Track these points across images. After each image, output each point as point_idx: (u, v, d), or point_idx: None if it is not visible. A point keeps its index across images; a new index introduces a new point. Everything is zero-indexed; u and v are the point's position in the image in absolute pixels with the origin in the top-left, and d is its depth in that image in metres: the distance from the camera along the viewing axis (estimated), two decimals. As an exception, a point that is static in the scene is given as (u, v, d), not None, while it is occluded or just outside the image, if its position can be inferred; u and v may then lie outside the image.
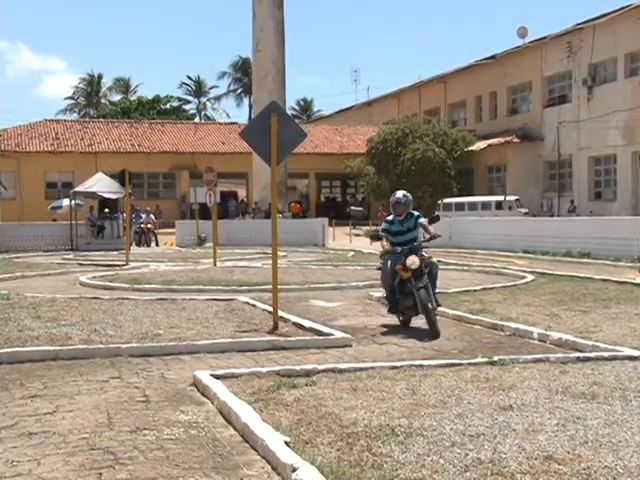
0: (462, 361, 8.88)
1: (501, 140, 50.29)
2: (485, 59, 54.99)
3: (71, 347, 10.02)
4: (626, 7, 42.95)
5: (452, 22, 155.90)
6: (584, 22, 46.05)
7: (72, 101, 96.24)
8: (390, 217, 12.29)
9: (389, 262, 11.83)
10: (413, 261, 11.26)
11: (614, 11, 43.78)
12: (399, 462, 5.40)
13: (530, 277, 19.44)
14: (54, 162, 54.12)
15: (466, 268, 23.51)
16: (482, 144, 50.94)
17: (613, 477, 5.10)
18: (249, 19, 49.93)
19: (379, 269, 12.42)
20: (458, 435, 6.00)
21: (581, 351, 9.56)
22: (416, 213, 12.20)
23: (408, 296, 11.53)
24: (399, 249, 11.70)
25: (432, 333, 11.06)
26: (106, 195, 37.79)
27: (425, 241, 12.15)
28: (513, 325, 11.59)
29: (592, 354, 9.25)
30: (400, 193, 12.12)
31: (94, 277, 20.41)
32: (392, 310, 12.15)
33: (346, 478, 5.09)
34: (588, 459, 5.45)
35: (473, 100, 57.81)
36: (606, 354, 9.22)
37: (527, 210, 42.70)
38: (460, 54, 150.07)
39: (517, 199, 44.08)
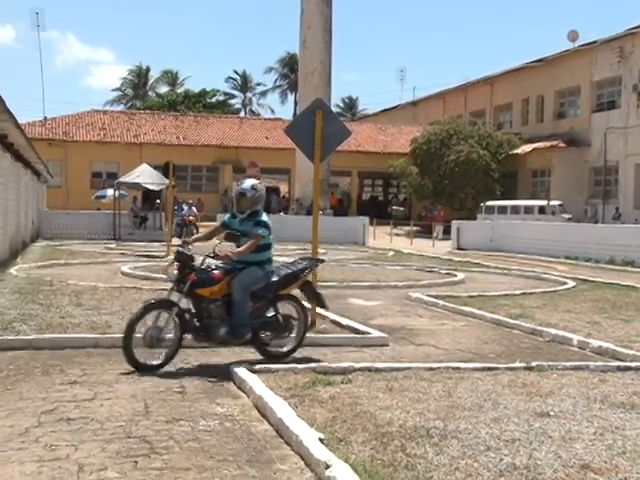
0: (499, 365, 8.83)
1: (547, 144, 49.84)
2: (534, 62, 54.53)
3: (111, 335, 10.11)
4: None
5: (500, 23, 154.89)
6: (636, 27, 45.48)
7: (120, 92, 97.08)
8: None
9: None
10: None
11: (667, 17, 43.17)
12: (433, 464, 5.39)
13: (571, 283, 19.28)
14: (100, 152, 54.59)
15: (507, 272, 23.36)
16: (527, 147, 50.54)
17: (650, 488, 5.05)
18: (297, 15, 50.05)
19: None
20: (493, 439, 5.97)
21: (621, 360, 9.47)
22: (263, 217, 9.25)
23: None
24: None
25: None
26: (149, 186, 38.06)
27: (210, 256, 9.18)
28: (552, 331, 11.50)
29: (633, 364, 9.15)
30: (248, 183, 9.36)
31: (135, 267, 20.57)
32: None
33: (379, 477, 5.09)
34: (625, 470, 5.39)
35: (520, 103, 57.35)
36: (647, 364, 9.13)
37: (570, 216, 42.30)
38: (508, 56, 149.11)
39: (561, 204, 43.69)
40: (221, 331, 8.73)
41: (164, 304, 8.75)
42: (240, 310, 8.84)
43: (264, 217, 9.16)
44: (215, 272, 8.92)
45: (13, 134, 20.35)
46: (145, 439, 6.05)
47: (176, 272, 8.90)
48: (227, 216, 9.53)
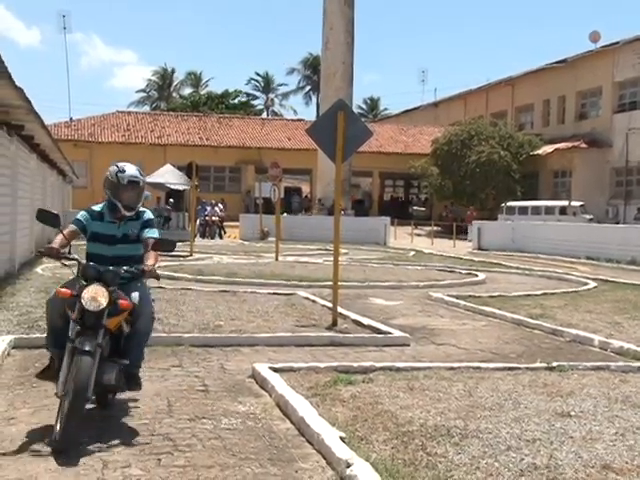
0: (520, 365, 8.80)
1: (568, 145, 49.61)
2: (555, 62, 54.30)
3: (134, 334, 10.15)
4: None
5: (521, 24, 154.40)
6: (657, 28, 45.22)
7: (144, 94, 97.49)
8: (98, 206, 6.81)
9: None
10: (94, 297, 5.98)
11: (688, 18, 42.96)
12: (453, 463, 5.38)
13: (592, 284, 19.18)
14: (124, 152, 54.15)
15: (528, 272, 23.27)
16: (548, 148, 50.33)
17: (671, 489, 5.02)
18: (320, 17, 50.08)
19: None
20: (514, 439, 5.95)
21: (642, 361, 9.41)
22: (147, 214, 6.92)
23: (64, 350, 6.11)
24: (93, 268, 6.27)
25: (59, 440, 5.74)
26: (173, 187, 38.19)
27: (135, 273, 6.61)
28: (573, 331, 11.44)
29: (654, 364, 9.10)
30: (133, 168, 6.79)
31: (158, 267, 20.54)
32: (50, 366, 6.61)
33: (400, 476, 5.09)
34: (646, 470, 5.36)
35: (541, 104, 57.12)
36: (668, 365, 9.07)
37: (592, 216, 42.09)
38: (529, 57, 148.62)
39: (582, 205, 43.48)
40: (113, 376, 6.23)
41: None
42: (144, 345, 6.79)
43: (150, 213, 6.97)
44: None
45: (39, 135, 20.48)
46: (168, 437, 6.07)
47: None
48: (82, 215, 6.70)
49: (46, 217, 6.46)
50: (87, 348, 5.82)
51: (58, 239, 6.42)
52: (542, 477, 5.16)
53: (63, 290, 6.06)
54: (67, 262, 6.47)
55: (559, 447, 5.79)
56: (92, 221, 6.65)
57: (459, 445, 5.78)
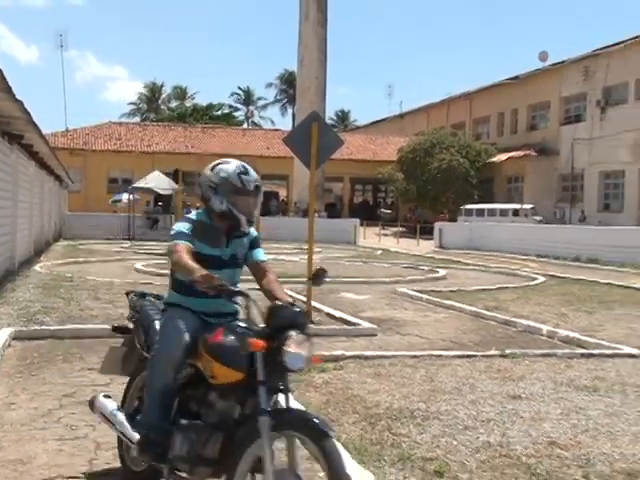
0: (477, 353, 8.86)
1: (520, 153, 49.83)
2: (508, 79, 54.56)
3: (126, 327, 10.13)
4: (638, 37, 42.54)
5: (478, 45, 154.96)
6: (600, 49, 45.58)
7: (134, 106, 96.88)
8: (192, 215, 4.59)
9: (180, 322, 4.25)
10: (301, 351, 3.79)
11: (627, 40, 43.33)
12: (416, 442, 5.42)
13: (541, 279, 19.32)
14: (116, 160, 54.54)
15: (484, 269, 23.40)
16: (503, 156, 50.53)
17: (610, 463, 5.09)
18: (295, 36, 49.99)
19: (123, 333, 5.05)
20: (470, 420, 6.00)
21: (585, 348, 9.50)
22: (252, 229, 4.65)
23: (195, 430, 4.02)
24: (288, 310, 3.96)
25: None
26: (161, 191, 38.13)
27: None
28: (524, 322, 11.53)
29: (595, 351, 9.20)
30: (250, 168, 4.85)
31: (148, 264, 20.56)
32: (147, 450, 4.20)
33: (368, 454, 5.12)
34: (588, 446, 5.43)
35: (496, 116, 57.36)
36: (608, 351, 9.17)
37: (541, 218, 42.32)
38: (485, 74, 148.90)
39: (532, 207, 43.73)
40: None
41: None
42: None
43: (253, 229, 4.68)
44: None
45: (38, 144, 20.34)
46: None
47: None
48: (187, 227, 4.35)
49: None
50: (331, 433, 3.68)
51: (192, 262, 4.06)
52: (495, 453, 5.21)
53: (256, 341, 3.72)
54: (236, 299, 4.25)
55: (511, 426, 5.85)
56: (193, 238, 4.34)
57: (421, 425, 5.82)
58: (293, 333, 3.77)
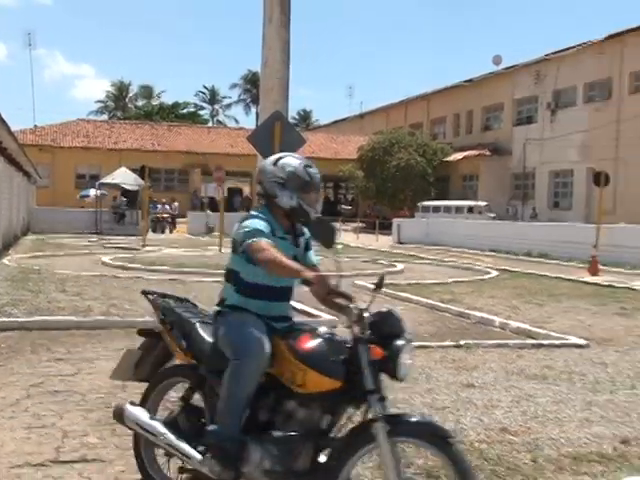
0: (432, 344, 8.91)
1: (475, 153, 50.26)
2: (464, 82, 54.96)
3: (92, 318, 10.06)
4: (586, 43, 43.11)
5: (436, 47, 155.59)
6: (551, 54, 46.09)
7: (102, 104, 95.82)
8: (257, 212, 4.08)
9: (254, 328, 3.84)
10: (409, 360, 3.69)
11: (576, 45, 43.90)
12: (373, 428, 5.42)
13: (495, 273, 19.48)
14: (84, 157, 54.04)
15: (440, 263, 23.54)
16: (458, 155, 50.90)
17: (557, 447, 5.15)
18: (259, 38, 49.71)
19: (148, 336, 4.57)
20: (426, 407, 6.03)
21: (535, 339, 9.61)
22: (307, 231, 4.22)
23: (281, 442, 3.68)
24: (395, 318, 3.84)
25: None
26: (127, 187, 37.87)
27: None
28: (478, 314, 11.62)
29: (545, 341, 9.31)
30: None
31: (114, 258, 20.38)
32: (224, 463, 3.75)
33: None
34: (537, 431, 5.49)
35: (452, 117, 57.76)
36: (557, 342, 9.28)
37: (495, 215, 42.70)
38: (442, 76, 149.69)
39: (486, 205, 44.10)
40: None
41: None
42: None
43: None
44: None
45: (7, 140, 20.06)
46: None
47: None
48: (263, 225, 3.94)
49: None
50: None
51: (292, 261, 3.88)
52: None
53: (376, 349, 3.58)
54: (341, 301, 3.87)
55: (464, 413, 5.90)
56: (272, 236, 3.93)
57: (378, 413, 5.83)
58: (404, 342, 3.64)
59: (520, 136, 48.87)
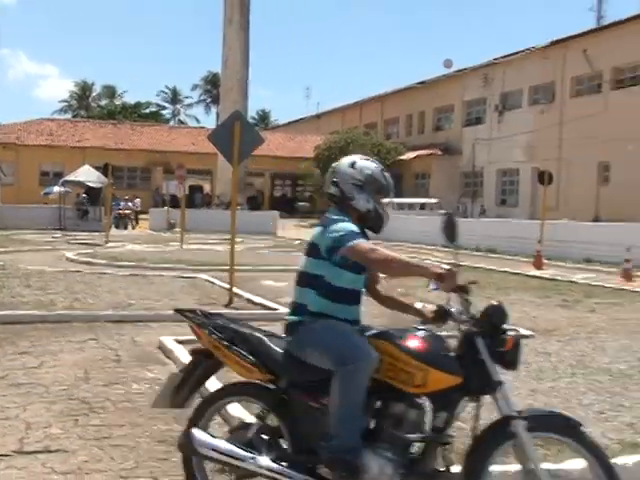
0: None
1: (427, 152, 50.65)
2: (416, 84, 55.33)
3: (56, 312, 9.93)
4: (532, 48, 43.68)
5: (389, 51, 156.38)
6: (498, 58, 46.61)
7: (66, 103, 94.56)
8: (336, 215, 3.85)
9: (352, 333, 3.71)
10: None
11: (522, 50, 44.46)
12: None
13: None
14: (48, 155, 53.35)
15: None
16: (411, 154, 51.23)
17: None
18: (220, 39, 49.56)
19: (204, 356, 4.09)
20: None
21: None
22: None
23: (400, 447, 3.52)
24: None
25: None
26: (91, 184, 37.46)
27: None
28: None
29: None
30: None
31: (78, 254, 20.13)
32: (350, 476, 3.50)
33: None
34: (484, 418, 5.51)
35: (405, 117, 58.12)
36: (504, 333, 9.36)
37: (445, 211, 43.02)
38: (396, 79, 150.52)
39: (438, 202, 44.42)
40: None
41: None
42: None
43: None
44: None
45: (-30, 138, 19.68)
46: (85, 400, 5.95)
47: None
48: (357, 227, 3.81)
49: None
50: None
51: (409, 258, 3.89)
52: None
53: (510, 339, 3.65)
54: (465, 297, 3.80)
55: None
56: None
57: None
58: (519, 333, 3.62)
59: (469, 136, 49.38)
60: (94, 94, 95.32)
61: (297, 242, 31.61)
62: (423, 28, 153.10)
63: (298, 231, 42.97)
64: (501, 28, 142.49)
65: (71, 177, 38.74)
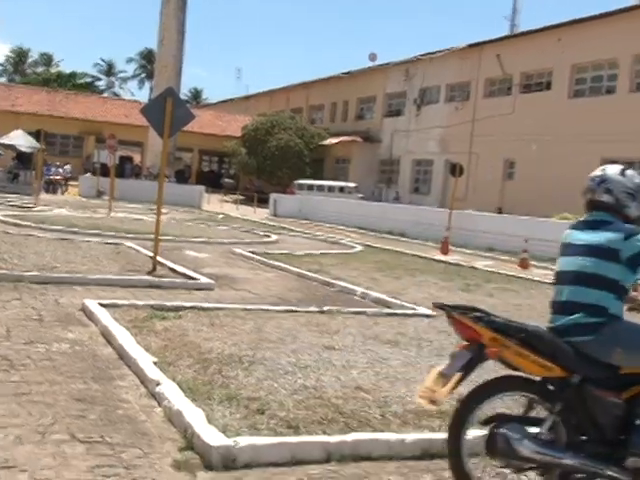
0: (299, 309, 8.97)
1: (348, 139, 50.76)
2: (342, 74, 55.32)
3: (-20, 271, 9.58)
4: (451, 48, 44.19)
5: (318, 41, 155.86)
6: (420, 55, 47.00)
7: (1, 67, 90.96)
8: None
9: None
10: None
11: (442, 50, 44.92)
12: (243, 384, 5.44)
13: (359, 248, 19.81)
14: (-21, 117, 51.25)
15: (310, 236, 23.72)
16: (333, 140, 51.27)
17: (403, 404, 5.30)
18: (157, 17, 48.46)
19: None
20: (291, 366, 6.08)
21: (391, 308, 9.83)
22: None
23: None
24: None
25: None
26: (23, 149, 36.34)
27: None
28: (342, 284, 11.79)
29: (399, 311, 9.54)
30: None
31: (6, 215, 19.47)
32: None
33: (199, 393, 5.09)
34: (387, 390, 5.63)
35: (329, 105, 58.09)
36: (409, 312, 9.53)
37: (362, 195, 43.32)
38: (322, 68, 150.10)
39: (356, 186, 44.70)
40: None
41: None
42: None
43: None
44: None
45: None
46: (6, 357, 5.77)
47: None
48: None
49: None
50: None
51: None
52: (310, 395, 5.30)
53: None
54: None
55: (324, 372, 5.97)
56: None
57: (248, 370, 5.84)
58: None
59: (389, 127, 49.73)
60: (30, 60, 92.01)
61: (220, 216, 31.40)
62: (351, 21, 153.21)
63: (222, 206, 42.68)
64: (425, 28, 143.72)
65: (4, 140, 37.39)
